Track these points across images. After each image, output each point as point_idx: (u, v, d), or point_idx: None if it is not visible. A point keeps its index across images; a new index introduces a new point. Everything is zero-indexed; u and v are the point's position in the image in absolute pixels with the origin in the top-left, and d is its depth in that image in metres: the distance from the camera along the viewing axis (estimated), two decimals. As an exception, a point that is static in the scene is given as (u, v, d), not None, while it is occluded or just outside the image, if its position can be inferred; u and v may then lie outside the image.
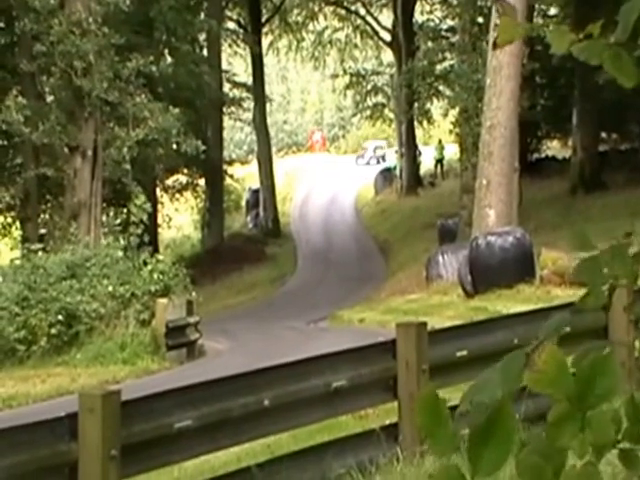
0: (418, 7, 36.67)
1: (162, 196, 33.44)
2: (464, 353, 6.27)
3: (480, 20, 24.78)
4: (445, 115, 32.57)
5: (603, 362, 1.35)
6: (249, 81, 37.75)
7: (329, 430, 6.40)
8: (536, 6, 28.27)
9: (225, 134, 37.20)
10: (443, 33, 33.38)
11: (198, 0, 32.40)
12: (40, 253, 16.98)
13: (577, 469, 1.32)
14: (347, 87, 41.61)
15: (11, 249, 24.52)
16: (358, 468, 5.39)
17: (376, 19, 40.14)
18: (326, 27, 42.72)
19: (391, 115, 40.31)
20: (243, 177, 39.05)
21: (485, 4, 24.33)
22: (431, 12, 35.20)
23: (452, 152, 34.82)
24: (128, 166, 20.22)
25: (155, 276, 16.34)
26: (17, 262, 17.29)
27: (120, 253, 16.80)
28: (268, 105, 39.23)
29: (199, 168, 32.89)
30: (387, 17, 39.93)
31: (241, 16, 38.46)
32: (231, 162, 37.76)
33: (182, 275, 17.22)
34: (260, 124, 36.31)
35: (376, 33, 40.19)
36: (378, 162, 47.58)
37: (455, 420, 1.37)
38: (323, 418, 5.96)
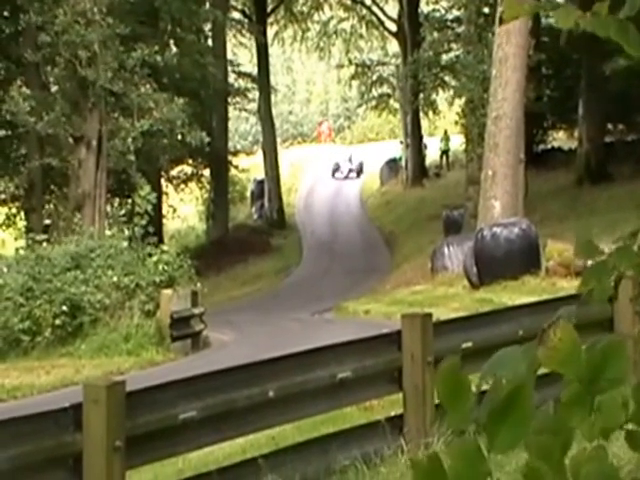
0: (424, -3, 36.56)
1: (167, 187, 33.43)
2: (469, 344, 6.25)
3: (486, 11, 24.69)
4: (451, 104, 32.48)
5: (615, 348, 1.35)
6: (254, 71, 37.67)
7: (334, 421, 6.39)
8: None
9: (230, 125, 37.14)
10: (449, 24, 33.26)
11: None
12: (44, 244, 16.97)
13: (587, 452, 1.32)
14: (352, 78, 41.51)
15: (15, 239, 24.52)
16: (363, 460, 5.37)
17: (382, 9, 40.02)
18: (331, 17, 42.61)
19: (396, 106, 40.22)
20: (248, 168, 39.01)
21: (491, -5, 24.22)
22: (437, 2, 35.06)
23: (458, 143, 34.73)
24: (133, 157, 20.20)
25: (160, 267, 16.33)
26: (21, 253, 17.29)
27: (125, 244, 16.78)
28: (273, 96, 39.16)
29: (204, 159, 32.86)
30: (393, 7, 39.81)
31: (246, 6, 38.36)
32: (236, 153, 37.72)
33: (187, 266, 17.20)
34: (265, 115, 36.25)
35: (382, 23, 40.08)
36: (358, 174, 42.33)
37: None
38: (328, 409, 5.94)
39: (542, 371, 1.38)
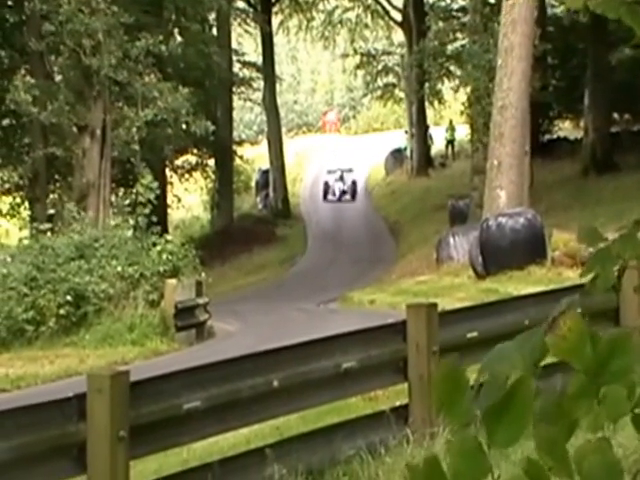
0: (429, -13, 36.40)
1: (171, 176, 33.40)
2: (475, 334, 6.22)
3: (491, 0, 24.57)
4: (456, 92, 32.39)
5: (621, 341, 1.35)
6: (259, 61, 37.57)
7: (339, 412, 6.37)
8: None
9: (235, 114, 37.08)
10: (454, 13, 33.14)
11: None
12: (48, 233, 16.96)
13: (591, 444, 1.31)
14: (357, 67, 41.39)
15: (20, 229, 24.54)
16: (368, 450, 5.35)
17: (387, -1, 39.89)
18: (336, 6, 42.46)
19: (402, 95, 40.11)
20: (253, 158, 38.95)
21: (497, -16, 24.09)
22: (442, -9, 34.92)
23: (463, 133, 34.65)
24: (137, 146, 20.16)
25: (164, 257, 16.31)
26: (25, 242, 17.27)
27: (129, 234, 16.76)
28: (278, 85, 39.07)
29: (209, 148, 32.82)
30: (398, -3, 39.66)
31: (251, -5, 38.24)
32: (241, 142, 37.66)
33: (191, 256, 17.18)
34: (270, 104, 36.18)
35: (387, 13, 39.93)
36: (353, 196, 36.52)
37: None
38: (333, 399, 5.92)
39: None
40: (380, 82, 40.78)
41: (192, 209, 39.03)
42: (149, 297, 15.66)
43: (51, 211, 22.97)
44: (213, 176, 34.55)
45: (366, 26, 42.85)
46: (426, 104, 37.10)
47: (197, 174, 34.61)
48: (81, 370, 11.32)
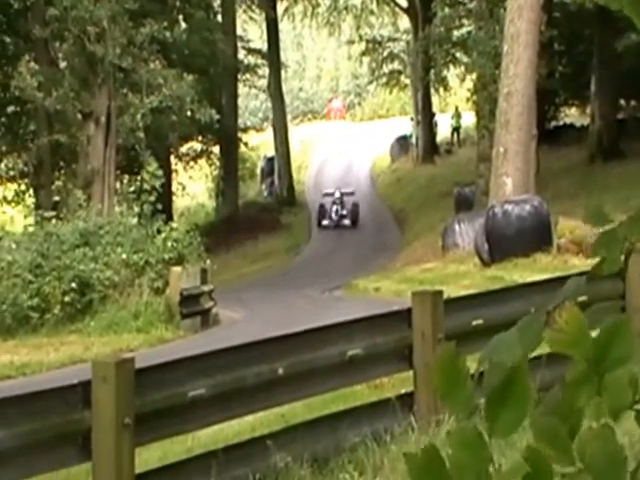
0: (435, -27, 36.17)
1: (176, 164, 33.37)
2: (480, 322, 6.20)
3: (498, -14, 24.43)
4: (462, 80, 32.26)
5: (620, 326, 1.34)
6: (264, 48, 37.46)
7: (344, 399, 6.36)
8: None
9: (240, 101, 37.00)
10: (460, -1, 32.95)
11: (212, -35, 32.11)
12: (53, 221, 16.96)
13: (593, 431, 1.30)
14: (363, 54, 41.24)
15: (25, 216, 24.55)
16: (373, 437, 5.34)
17: (392, -15, 39.71)
18: (342, -7, 42.31)
19: (407, 82, 39.97)
20: (258, 145, 38.88)
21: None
22: (448, -22, 34.71)
23: (469, 120, 34.54)
24: (142, 134, 20.14)
25: (169, 244, 16.30)
26: (30, 229, 17.27)
27: (134, 221, 16.76)
28: (283, 72, 38.95)
29: (213, 136, 32.76)
30: (403, -17, 39.47)
31: (256, -18, 38.11)
32: (246, 130, 37.59)
33: (196, 243, 17.17)
34: (275, 91, 36.09)
35: (392, -1, 39.79)
36: (354, 222, 30.27)
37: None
38: (338, 387, 5.91)
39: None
40: (386, 69, 40.64)
41: (197, 197, 39.01)
42: (154, 285, 15.66)
43: (56, 198, 22.98)
44: (218, 163, 34.51)
45: (372, 12, 42.68)
46: (432, 91, 36.97)
47: (202, 161, 34.58)
48: (86, 357, 11.33)
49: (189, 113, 23.08)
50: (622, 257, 1.48)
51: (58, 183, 25.07)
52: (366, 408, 5.74)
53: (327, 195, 31.44)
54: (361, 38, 41.18)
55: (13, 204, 26.97)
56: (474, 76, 25.93)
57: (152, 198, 16.93)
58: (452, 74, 35.80)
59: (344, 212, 30.49)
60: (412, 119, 38.72)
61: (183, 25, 27.75)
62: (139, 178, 17.48)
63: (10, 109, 25.63)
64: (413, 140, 38.32)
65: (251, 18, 39.12)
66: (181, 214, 35.90)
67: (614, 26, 25.61)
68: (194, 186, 36.17)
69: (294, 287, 20.41)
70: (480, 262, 16.88)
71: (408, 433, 5.45)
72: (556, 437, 1.30)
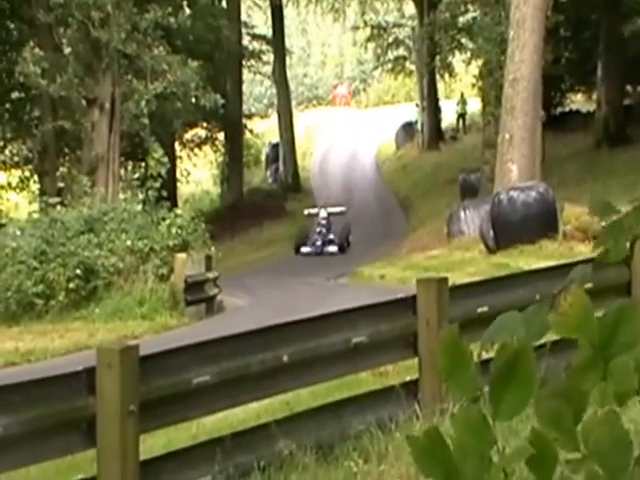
0: (440, -42, 35.97)
1: (181, 150, 33.33)
2: (485, 309, 6.18)
3: (504, -29, 24.29)
4: (468, 64, 32.13)
5: (627, 312, 1.33)
6: (269, 34, 37.35)
7: (348, 387, 6.35)
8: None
9: (244, 88, 36.91)
10: (466, -16, 32.75)
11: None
12: (58, 207, 16.95)
13: (599, 417, 1.29)
14: (368, 40, 41.09)
15: (29, 203, 24.57)
16: (377, 425, 5.33)
17: (398, -30, 39.53)
18: (347, -22, 42.13)
19: (412, 68, 39.83)
20: (263, 131, 38.81)
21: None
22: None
23: (475, 106, 34.43)
24: (146, 120, 20.09)
25: (174, 231, 16.29)
26: (35, 216, 17.27)
27: (138, 207, 16.74)
28: (288, 58, 38.83)
29: (218, 122, 32.71)
30: (409, -32, 39.27)
31: (260, -33, 37.96)
32: (250, 116, 37.52)
33: (201, 230, 17.16)
34: (280, 77, 35.99)
35: (397, -15, 39.60)
36: (341, 248, 24.09)
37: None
38: (342, 374, 5.90)
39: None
40: (391, 55, 40.49)
41: (202, 183, 38.98)
42: (159, 271, 15.65)
43: (60, 185, 22.98)
44: (223, 150, 34.46)
45: (376, -2, 42.50)
46: (437, 77, 36.82)
47: (207, 148, 34.53)
48: (91, 344, 11.33)
49: (194, 99, 23.03)
50: (628, 245, 1.47)
51: (62, 169, 25.07)
52: (371, 396, 5.73)
53: (310, 216, 25.63)
54: (366, 24, 41.02)
55: (18, 190, 26.98)
56: (480, 62, 25.83)
57: (157, 185, 16.91)
58: (457, 60, 35.66)
59: (330, 236, 24.46)
60: (417, 105, 38.61)
61: (187, 11, 27.64)
62: (144, 165, 17.47)
63: (14, 95, 25.60)
64: (418, 127, 38.22)
65: (255, 4, 38.99)
66: (186, 201, 35.89)
67: (620, 11, 25.45)
68: (199, 173, 36.15)
69: (299, 274, 20.40)
70: (485, 249, 16.85)
71: (413, 421, 5.44)
72: (561, 422, 1.29)
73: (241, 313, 14.92)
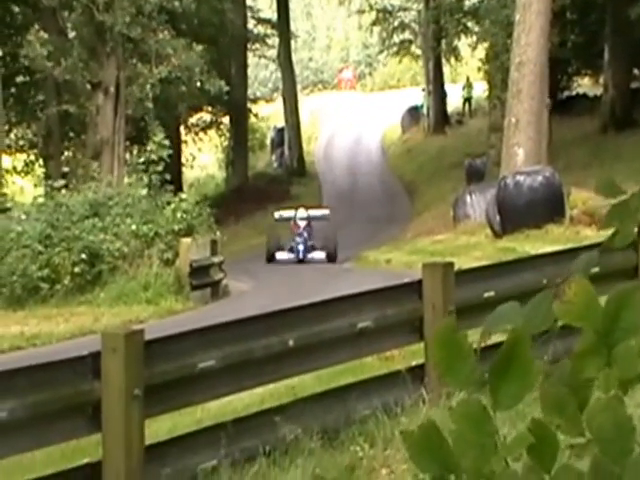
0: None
1: (186, 135, 33.27)
2: (491, 294, 6.15)
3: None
4: (474, 48, 31.97)
5: (630, 296, 1.32)
6: (274, 17, 37.20)
7: (354, 371, 6.33)
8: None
9: (249, 72, 36.81)
10: (472, -33, 32.55)
11: None
12: (63, 191, 16.93)
13: (602, 403, 1.28)
14: (373, 24, 40.89)
15: (34, 186, 24.55)
16: (383, 409, 5.32)
17: (403, -47, 39.29)
18: (352, -39, 41.88)
19: (418, 52, 39.67)
20: (268, 115, 38.71)
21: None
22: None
23: (480, 90, 34.30)
24: (151, 104, 20.04)
25: (178, 215, 16.26)
26: (40, 200, 17.26)
27: (143, 192, 16.71)
28: (293, 42, 38.70)
29: (223, 106, 32.64)
30: (414, -49, 39.01)
31: (265, -50, 37.77)
32: (255, 100, 37.43)
33: (206, 214, 17.14)
34: (285, 61, 35.87)
35: (403, -32, 39.37)
36: (330, 257, 20.15)
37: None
38: (348, 359, 5.88)
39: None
40: (396, 39, 40.30)
41: (207, 168, 38.94)
42: (164, 256, 15.64)
43: (65, 169, 22.95)
44: (228, 134, 34.40)
45: (382, -19, 42.26)
46: (443, 61, 36.66)
47: (212, 132, 34.46)
48: (96, 328, 11.34)
49: (198, 83, 22.96)
50: (635, 229, 1.44)
51: (67, 153, 25.05)
52: (376, 380, 5.71)
53: (281, 219, 21.95)
54: (371, 7, 40.81)
55: (23, 174, 26.98)
56: (486, 45, 25.69)
57: (160, 168, 16.87)
58: (463, 44, 35.51)
59: (313, 242, 20.66)
60: (423, 89, 38.47)
61: (192, -6, 27.53)
62: (148, 149, 17.41)
63: (19, 79, 25.55)
64: (424, 111, 38.09)
65: (260, -13, 38.84)
66: (191, 185, 35.87)
67: (627, -6, 25.25)
68: (204, 157, 36.11)
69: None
70: (491, 233, 16.80)
71: (419, 405, 5.43)
72: (565, 408, 1.28)
73: (246, 297, 14.92)
